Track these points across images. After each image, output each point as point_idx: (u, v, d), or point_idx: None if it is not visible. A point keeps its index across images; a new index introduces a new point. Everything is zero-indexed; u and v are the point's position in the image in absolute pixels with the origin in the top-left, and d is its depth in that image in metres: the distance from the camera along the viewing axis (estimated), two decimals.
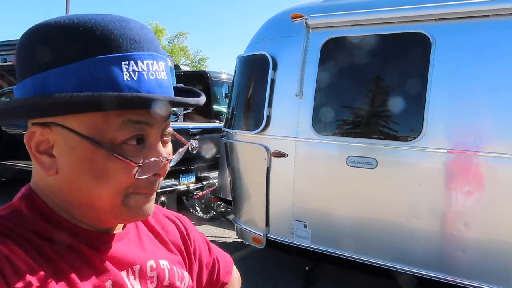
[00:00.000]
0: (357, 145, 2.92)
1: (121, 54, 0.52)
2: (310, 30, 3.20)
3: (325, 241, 3.07)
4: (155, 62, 0.55)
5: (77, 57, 0.51)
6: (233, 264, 0.86)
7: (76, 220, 0.58)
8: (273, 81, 3.32)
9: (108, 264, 0.58)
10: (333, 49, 3.13)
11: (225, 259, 0.84)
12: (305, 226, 3.15)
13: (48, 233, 0.55)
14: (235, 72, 3.85)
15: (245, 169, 3.61)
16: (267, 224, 3.35)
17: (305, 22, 3.19)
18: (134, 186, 0.56)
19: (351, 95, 3.11)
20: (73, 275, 0.53)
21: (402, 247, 2.77)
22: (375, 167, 2.83)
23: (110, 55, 0.51)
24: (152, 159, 0.55)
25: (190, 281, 0.71)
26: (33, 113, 0.53)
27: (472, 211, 2.53)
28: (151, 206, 0.59)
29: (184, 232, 0.76)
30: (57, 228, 0.56)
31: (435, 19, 2.70)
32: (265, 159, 3.28)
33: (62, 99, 0.49)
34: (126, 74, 0.52)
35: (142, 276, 0.62)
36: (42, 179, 0.57)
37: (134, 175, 0.54)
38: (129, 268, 0.61)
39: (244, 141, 3.54)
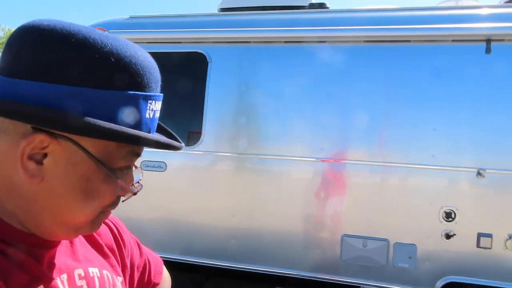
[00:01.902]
0: (150, 150, 3.19)
1: (150, 93, 0.56)
2: None
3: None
4: (159, 102, 0.60)
5: (117, 86, 0.52)
6: (163, 265, 0.87)
7: (21, 226, 0.57)
8: None
9: (43, 270, 0.57)
10: None
11: (156, 260, 0.85)
12: None
13: None
14: None
15: None
16: None
17: None
18: (108, 206, 0.59)
19: None
20: (7, 282, 0.51)
21: (187, 241, 3.11)
22: (164, 170, 3.13)
23: (145, 93, 0.55)
24: (136, 183, 0.60)
25: None
26: (58, 125, 0.51)
27: (238, 204, 3.00)
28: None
29: (117, 234, 0.75)
30: None
31: (212, 42, 3.17)
32: None
33: (107, 129, 0.50)
34: (148, 112, 0.56)
35: (71, 284, 0.61)
36: (5, 178, 0.54)
37: (115, 196, 0.58)
38: (58, 277, 0.60)
39: None
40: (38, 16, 0.60)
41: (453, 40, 2.75)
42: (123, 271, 0.73)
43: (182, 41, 3.23)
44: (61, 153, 0.53)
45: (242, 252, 2.99)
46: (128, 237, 0.78)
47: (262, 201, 2.97)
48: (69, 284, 0.60)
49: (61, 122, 0.49)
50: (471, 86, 2.68)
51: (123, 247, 0.75)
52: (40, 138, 0.51)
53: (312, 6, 3.36)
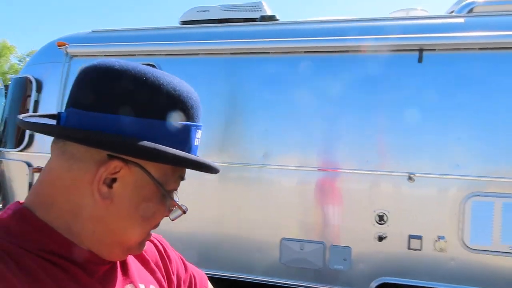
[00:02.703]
0: None
1: (199, 124, 0.64)
2: (72, 57, 3.57)
3: None
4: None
5: (180, 119, 0.60)
6: (208, 280, 0.90)
7: (83, 245, 0.61)
8: (36, 102, 3.57)
9: (95, 284, 0.61)
10: None
11: (200, 275, 0.88)
12: None
13: (41, 248, 0.57)
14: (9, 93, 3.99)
15: (11, 185, 3.74)
16: None
17: (66, 50, 3.55)
18: (155, 226, 0.65)
19: None
20: None
21: None
22: None
23: (196, 124, 0.63)
24: (183, 206, 0.65)
25: None
26: (135, 152, 0.57)
27: None
28: None
29: (163, 251, 0.79)
30: (53, 246, 0.58)
31: (164, 54, 3.32)
32: (27, 174, 3.48)
33: (175, 155, 0.58)
34: (195, 140, 0.64)
35: None
36: (70, 201, 0.59)
37: (163, 217, 0.64)
38: None
39: (10, 159, 3.68)
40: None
41: (389, 50, 2.86)
42: (170, 286, 0.76)
43: (136, 54, 3.39)
44: (129, 177, 0.59)
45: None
46: (173, 253, 0.81)
47: (202, 204, 3.08)
48: None
49: (138, 149, 0.56)
50: (405, 93, 2.79)
51: (168, 263, 0.78)
52: (115, 164, 0.58)
53: (263, 18, 3.50)
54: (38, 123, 0.63)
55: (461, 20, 2.85)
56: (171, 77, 0.62)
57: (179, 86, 0.61)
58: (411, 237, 2.72)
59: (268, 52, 3.09)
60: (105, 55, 3.47)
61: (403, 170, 2.73)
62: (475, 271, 2.64)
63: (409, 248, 2.72)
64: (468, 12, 2.93)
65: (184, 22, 3.80)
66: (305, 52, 3.01)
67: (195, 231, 3.11)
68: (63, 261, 0.58)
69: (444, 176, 2.66)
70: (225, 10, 3.72)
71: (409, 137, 2.75)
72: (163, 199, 0.61)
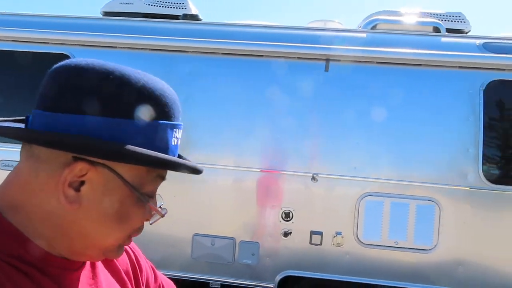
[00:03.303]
0: (10, 149, 3.15)
1: (175, 122, 0.61)
2: None
3: None
4: (181, 130, 0.64)
5: (150, 117, 0.57)
6: None
7: (52, 249, 0.59)
8: None
9: None
10: None
11: (169, 285, 0.86)
12: None
13: (9, 253, 0.55)
14: None
15: None
16: None
17: None
18: (135, 230, 0.62)
19: None
20: None
21: None
22: None
23: (172, 122, 0.60)
24: (162, 207, 0.63)
25: None
26: (100, 154, 0.55)
27: None
28: None
29: (134, 260, 0.77)
30: (18, 249, 0.56)
31: (79, 44, 3.21)
32: None
33: (145, 155, 0.55)
34: (173, 140, 0.61)
35: None
36: (41, 207, 0.57)
37: (143, 221, 0.62)
38: None
39: None
40: None
41: (298, 58, 3.05)
42: None
43: (48, 41, 3.24)
44: (98, 180, 0.56)
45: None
46: (144, 262, 0.79)
47: None
48: None
49: (103, 150, 0.54)
50: (312, 100, 3.00)
51: (139, 272, 0.76)
52: (81, 166, 0.55)
53: (185, 17, 3.52)
54: (3, 126, 0.61)
55: (364, 35, 3.12)
56: (142, 74, 0.59)
57: (150, 83, 0.59)
58: (312, 233, 2.93)
59: (187, 51, 3.13)
60: (13, 41, 3.27)
61: (307, 170, 2.93)
62: (367, 264, 2.93)
63: (310, 243, 2.94)
64: (371, 28, 3.22)
65: (106, 13, 3.70)
66: (222, 53, 3.10)
67: None
68: (30, 268, 0.56)
69: (343, 177, 2.92)
70: (149, 4, 3.69)
71: (314, 140, 2.96)
72: (139, 202, 0.59)
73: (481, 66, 2.92)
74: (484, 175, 2.83)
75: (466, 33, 3.35)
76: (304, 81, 3.02)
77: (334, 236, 2.92)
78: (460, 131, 2.90)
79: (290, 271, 2.97)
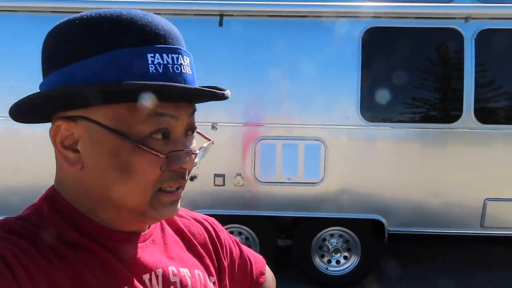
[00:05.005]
0: None
1: (146, 46, 0.51)
2: None
3: None
4: (180, 56, 0.54)
5: (102, 50, 0.50)
6: (266, 265, 0.83)
7: (101, 220, 0.56)
8: None
9: (128, 268, 0.56)
10: None
11: (257, 259, 0.81)
12: None
13: (69, 235, 0.54)
14: None
15: None
16: None
17: None
18: (161, 181, 0.54)
19: None
20: (90, 279, 0.52)
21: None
22: None
23: (135, 47, 0.50)
24: (178, 150, 0.54)
25: None
26: (59, 104, 0.52)
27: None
28: (177, 205, 0.58)
29: (214, 233, 0.73)
30: (78, 229, 0.55)
31: None
32: None
33: (94, 88, 0.49)
34: (151, 67, 0.51)
35: (165, 281, 0.60)
36: (67, 176, 0.56)
37: (160, 168, 0.52)
38: (152, 272, 0.59)
39: None
40: None
41: (195, 14, 3.22)
42: (220, 271, 0.71)
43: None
44: (84, 134, 0.52)
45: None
46: (226, 237, 0.76)
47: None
48: (163, 280, 0.59)
49: (62, 97, 0.51)
50: (207, 54, 3.20)
51: (219, 246, 0.72)
52: (64, 125, 0.53)
53: None
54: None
55: None
56: (131, 11, 0.53)
57: (107, 13, 0.52)
58: (216, 175, 3.28)
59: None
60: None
61: (207, 120, 3.21)
62: (265, 199, 3.32)
63: (215, 185, 3.29)
64: None
65: None
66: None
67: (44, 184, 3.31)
68: (90, 243, 0.54)
69: (239, 124, 3.22)
70: None
71: None
72: (136, 148, 0.51)
73: (359, 15, 3.18)
74: (362, 116, 3.19)
75: None
76: (200, 36, 3.21)
77: (235, 177, 3.27)
78: (342, 76, 3.22)
79: (200, 210, 3.34)
